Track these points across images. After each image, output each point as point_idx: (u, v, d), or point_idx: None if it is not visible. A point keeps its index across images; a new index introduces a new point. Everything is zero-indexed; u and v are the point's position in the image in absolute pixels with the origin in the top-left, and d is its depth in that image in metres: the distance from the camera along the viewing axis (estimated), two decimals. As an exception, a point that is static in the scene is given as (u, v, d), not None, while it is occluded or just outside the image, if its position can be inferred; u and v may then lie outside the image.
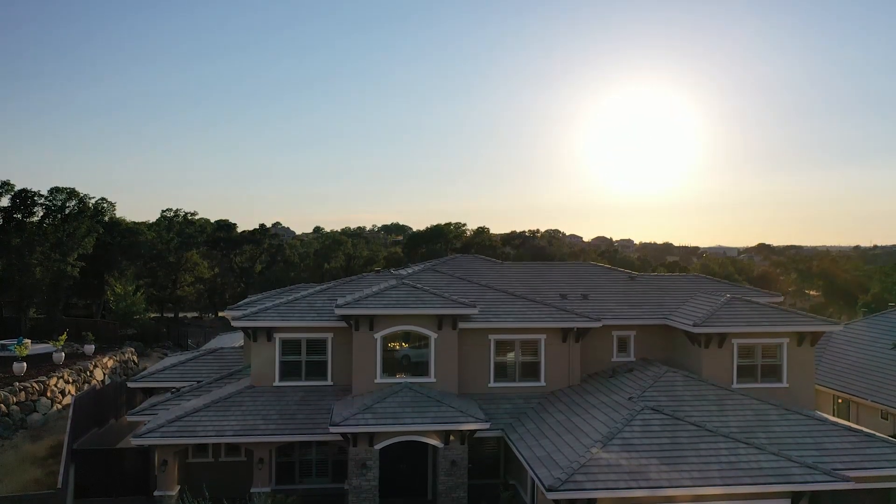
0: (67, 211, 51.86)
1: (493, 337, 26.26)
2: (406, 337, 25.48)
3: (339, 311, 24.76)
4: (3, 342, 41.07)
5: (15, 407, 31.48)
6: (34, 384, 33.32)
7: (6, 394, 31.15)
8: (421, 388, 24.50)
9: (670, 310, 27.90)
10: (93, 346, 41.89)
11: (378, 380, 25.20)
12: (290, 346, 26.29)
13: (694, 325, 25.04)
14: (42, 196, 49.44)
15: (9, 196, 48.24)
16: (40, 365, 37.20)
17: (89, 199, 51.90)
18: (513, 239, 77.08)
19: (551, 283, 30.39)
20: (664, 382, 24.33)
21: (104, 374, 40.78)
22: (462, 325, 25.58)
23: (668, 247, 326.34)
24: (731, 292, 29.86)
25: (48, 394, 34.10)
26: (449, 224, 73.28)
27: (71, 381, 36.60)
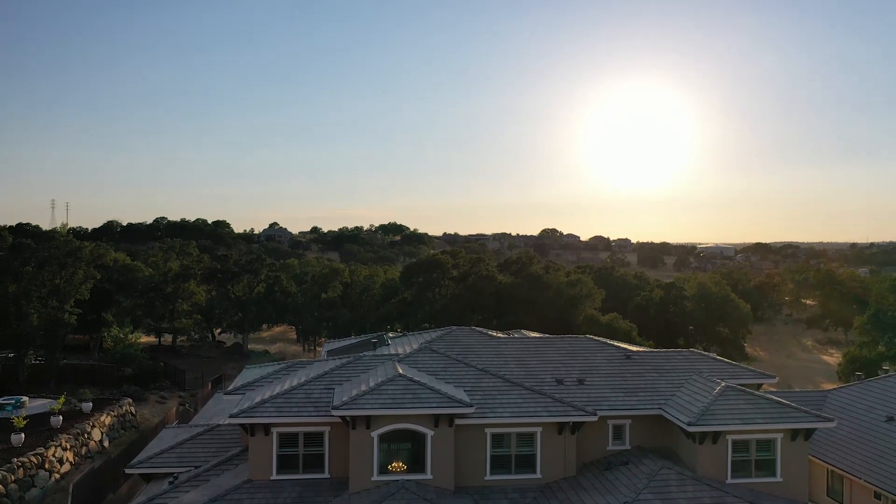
0: (66, 249, 51.82)
1: (489, 430, 26.38)
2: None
3: (335, 413, 24.84)
4: (1, 401, 41.06)
5: (13, 486, 31.59)
6: (32, 458, 33.43)
7: (4, 473, 31.26)
8: (417, 488, 24.63)
9: (665, 397, 28.08)
10: (90, 404, 41.95)
11: (375, 478, 25.30)
12: (287, 440, 26.38)
13: (689, 424, 25.19)
14: (38, 244, 49.32)
15: (4, 244, 48.20)
16: (38, 430, 37.27)
17: (86, 246, 51.85)
18: (510, 265, 77.29)
19: (547, 362, 30.52)
20: (658, 483, 24.48)
21: (102, 434, 40.86)
22: (459, 421, 25.71)
23: (664, 246, 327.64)
24: (725, 372, 30.05)
25: (46, 465, 34.22)
26: (446, 252, 73.35)
27: (69, 447, 36.70)
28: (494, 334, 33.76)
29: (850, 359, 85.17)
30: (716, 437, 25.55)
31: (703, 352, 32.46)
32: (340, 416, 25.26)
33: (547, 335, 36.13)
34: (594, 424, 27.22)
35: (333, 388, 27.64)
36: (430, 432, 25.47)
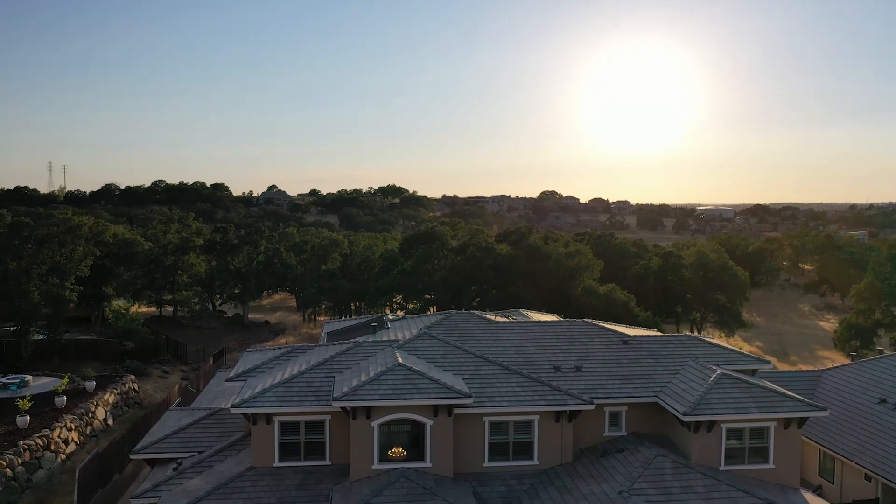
0: (64, 226, 51.88)
1: (487, 419, 26.81)
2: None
3: (336, 404, 25.20)
4: (4, 380, 41.53)
5: (20, 468, 32.15)
6: (38, 440, 33.96)
7: (11, 456, 31.78)
8: (417, 477, 25.11)
9: (661, 384, 28.47)
10: (93, 382, 42.42)
11: (375, 465, 25.76)
12: (288, 428, 26.80)
13: (684, 414, 25.59)
14: (37, 222, 49.32)
15: (3, 223, 48.22)
16: (43, 410, 37.75)
17: (85, 223, 51.86)
18: (509, 235, 77.39)
19: (545, 348, 30.82)
20: (653, 471, 24.95)
21: (106, 412, 41.43)
22: (457, 410, 26.09)
23: (664, 208, 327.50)
24: (721, 358, 30.36)
25: (52, 447, 34.79)
26: (445, 224, 73.48)
27: (74, 427, 37.25)
28: (493, 318, 34.01)
29: (846, 326, 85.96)
30: (710, 426, 25.99)
31: (699, 336, 32.78)
32: (341, 407, 25.64)
33: (545, 320, 36.40)
34: (591, 411, 27.62)
35: (334, 376, 27.99)
36: (429, 422, 25.86)
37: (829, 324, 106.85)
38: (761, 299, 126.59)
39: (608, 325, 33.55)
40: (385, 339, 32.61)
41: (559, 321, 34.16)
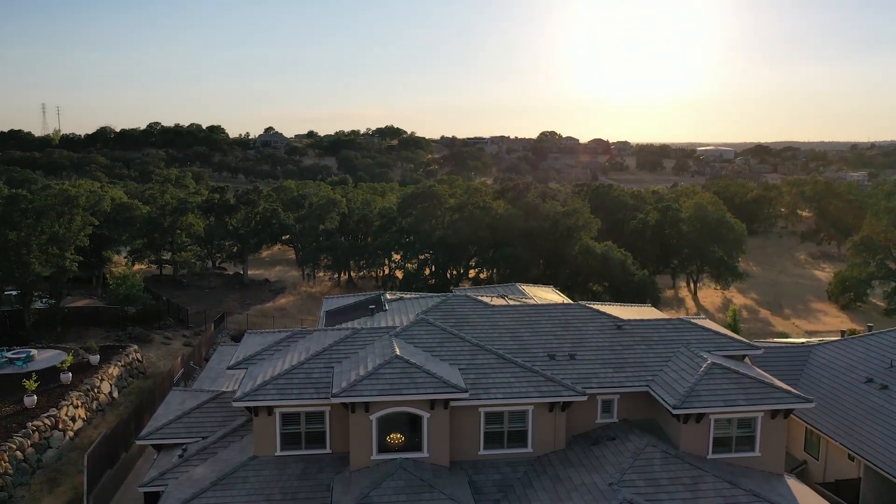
0: (62, 197, 51.91)
1: (483, 409, 27.55)
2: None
3: (335, 400, 25.86)
4: (10, 355, 42.26)
5: (30, 449, 33.10)
6: (45, 420, 34.86)
7: (21, 439, 32.70)
8: (414, 468, 25.97)
9: (653, 372, 29.14)
10: (97, 356, 43.19)
11: (374, 457, 26.61)
12: (289, 419, 27.57)
13: (674, 407, 26.31)
14: (34, 195, 49.35)
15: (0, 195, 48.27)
16: (48, 386, 38.59)
17: (81, 193, 51.85)
18: (507, 192, 77.29)
19: (540, 334, 31.39)
20: (643, 461, 25.80)
21: (111, 386, 42.32)
22: (454, 403, 26.80)
23: (664, 149, 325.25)
24: (712, 343, 30.96)
25: (60, 426, 35.71)
26: (443, 182, 73.33)
27: (80, 404, 38.14)
28: (489, 300, 34.46)
29: (840, 279, 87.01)
30: (699, 417, 26.75)
31: (693, 319, 33.23)
32: (340, 402, 26.31)
33: (541, 302, 36.86)
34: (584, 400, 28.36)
35: (332, 367, 28.59)
36: (426, 414, 26.57)
37: (825, 273, 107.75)
38: (759, 247, 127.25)
39: (603, 309, 34.02)
40: (383, 324, 33.21)
41: (554, 304, 34.57)
